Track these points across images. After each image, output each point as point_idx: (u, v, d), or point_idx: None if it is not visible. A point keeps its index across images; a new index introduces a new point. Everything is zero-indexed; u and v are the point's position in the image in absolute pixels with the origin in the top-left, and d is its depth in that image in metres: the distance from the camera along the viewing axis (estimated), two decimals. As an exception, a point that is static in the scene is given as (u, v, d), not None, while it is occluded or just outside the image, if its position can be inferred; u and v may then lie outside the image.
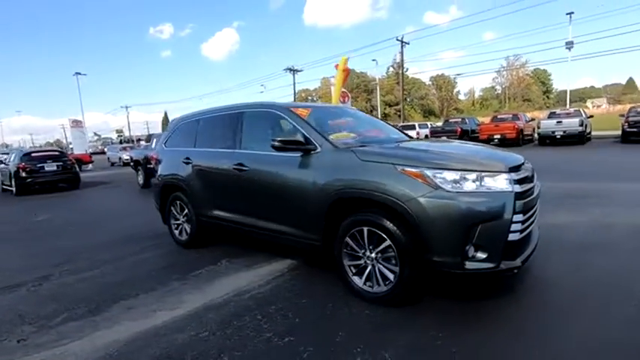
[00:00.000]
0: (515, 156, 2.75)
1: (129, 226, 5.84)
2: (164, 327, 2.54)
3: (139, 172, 11.19)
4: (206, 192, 3.87)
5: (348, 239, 2.70)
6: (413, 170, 2.37)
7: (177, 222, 4.39)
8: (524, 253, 2.43)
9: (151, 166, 9.01)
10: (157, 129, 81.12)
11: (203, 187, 3.89)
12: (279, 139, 2.93)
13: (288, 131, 3.17)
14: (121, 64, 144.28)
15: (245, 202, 3.47)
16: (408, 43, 28.42)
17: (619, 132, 15.67)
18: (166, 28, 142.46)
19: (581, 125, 15.07)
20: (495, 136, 16.76)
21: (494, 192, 2.29)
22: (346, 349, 2.13)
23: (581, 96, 76.98)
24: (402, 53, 27.90)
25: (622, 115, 15.48)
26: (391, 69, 74.14)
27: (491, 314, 2.43)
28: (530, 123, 19.22)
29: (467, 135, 18.77)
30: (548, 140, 15.78)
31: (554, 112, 17.07)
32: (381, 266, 2.57)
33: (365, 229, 2.58)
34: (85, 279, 3.59)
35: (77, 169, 12.56)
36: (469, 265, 2.26)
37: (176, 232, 4.45)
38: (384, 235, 2.49)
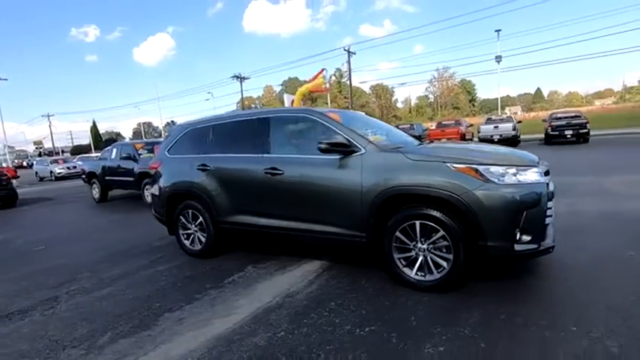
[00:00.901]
0: (532, 155, 3.19)
1: (114, 241, 5.43)
2: (233, 332, 2.51)
3: (94, 186, 10.29)
4: (228, 198, 3.82)
5: (398, 233, 2.91)
6: (465, 167, 2.67)
7: (188, 232, 4.24)
8: (552, 234, 2.84)
9: (127, 178, 8.40)
10: (85, 139, 74.22)
11: (224, 193, 3.83)
12: (326, 141, 3.06)
13: (328, 134, 3.30)
14: (37, 69, 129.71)
15: (278, 205, 3.51)
16: (355, 53, 29.72)
17: (541, 135, 18.00)
18: (91, 30, 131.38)
19: (514, 129, 17.03)
20: (442, 140, 18.20)
21: (532, 183, 2.66)
22: (426, 331, 2.33)
23: (501, 104, 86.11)
24: (349, 63, 29.08)
25: (544, 120, 17.77)
26: (333, 77, 76.48)
27: (529, 290, 2.80)
28: (469, 128, 21.27)
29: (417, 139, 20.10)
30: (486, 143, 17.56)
31: (490, 119, 19.02)
32: (433, 256, 2.82)
33: (417, 222, 2.82)
34: (103, 297, 3.34)
35: (13, 185, 11.17)
36: (517, 247, 2.60)
37: (186, 242, 4.29)
38: (437, 227, 2.74)
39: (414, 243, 2.87)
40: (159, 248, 4.82)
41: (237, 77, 35.49)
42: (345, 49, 28.50)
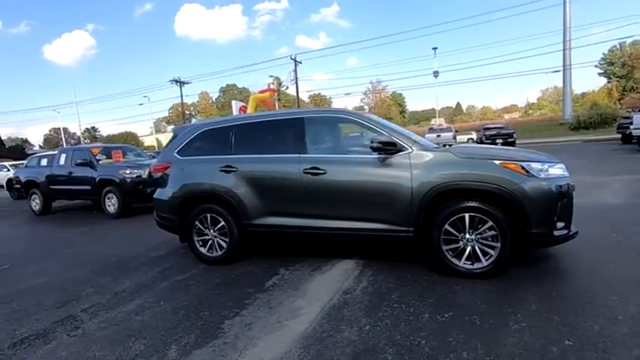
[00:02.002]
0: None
1: (97, 255, 4.88)
2: (316, 331, 2.48)
3: (34, 197, 9.00)
4: (258, 200, 3.71)
5: (447, 226, 3.12)
6: (511, 163, 2.99)
7: (205, 238, 4.00)
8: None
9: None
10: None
11: (253, 195, 3.71)
12: (378, 140, 3.18)
13: (369, 134, 3.42)
14: None
15: (318, 204, 3.51)
16: (301, 62, 30.22)
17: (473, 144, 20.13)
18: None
19: (454, 138, 18.78)
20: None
21: (561, 177, 3.07)
22: (500, 311, 2.55)
23: (426, 116, 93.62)
24: (295, 72, 29.43)
25: (478, 131, 19.90)
26: (272, 86, 76.36)
27: (554, 271, 3.20)
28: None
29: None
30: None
31: (432, 128, 20.71)
32: (480, 245, 3.08)
33: (467, 215, 3.06)
34: (135, 311, 3.02)
35: None
36: (555, 233, 2.98)
37: (202, 249, 4.04)
38: (485, 218, 3.01)
39: (462, 234, 3.11)
40: (160, 259, 4.46)
41: (177, 81, 33.67)
42: (291, 58, 28.89)
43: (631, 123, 13.53)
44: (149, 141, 62.93)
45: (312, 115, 3.75)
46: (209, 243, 4.00)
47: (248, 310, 2.88)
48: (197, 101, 78.57)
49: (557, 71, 34.82)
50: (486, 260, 3.06)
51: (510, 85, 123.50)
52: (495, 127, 18.62)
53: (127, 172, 7.56)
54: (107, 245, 5.45)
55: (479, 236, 3.07)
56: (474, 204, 3.04)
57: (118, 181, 7.50)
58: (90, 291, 3.56)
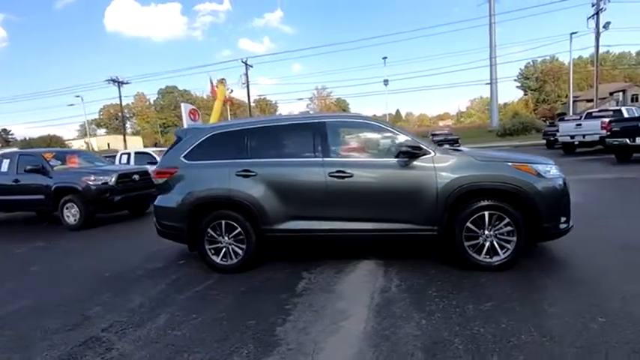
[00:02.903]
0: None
1: (79, 272, 4.42)
2: (375, 329, 2.55)
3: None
4: (279, 204, 3.66)
5: (469, 224, 3.39)
6: (522, 165, 3.35)
7: (219, 245, 3.85)
8: (567, 216, 3.74)
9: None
10: None
11: (274, 200, 3.66)
12: (408, 144, 3.37)
13: (392, 139, 3.59)
14: None
15: (344, 207, 3.57)
16: (252, 66, 29.76)
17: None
18: None
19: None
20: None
21: (560, 176, 3.50)
22: (531, 297, 2.85)
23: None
24: (246, 75, 28.89)
25: (425, 137, 21.25)
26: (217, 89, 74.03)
27: (556, 262, 3.62)
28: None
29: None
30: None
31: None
32: (498, 240, 3.38)
33: (486, 212, 3.35)
34: (168, 326, 2.82)
35: None
36: (561, 226, 3.38)
37: (215, 257, 3.87)
38: (503, 215, 3.33)
39: (482, 231, 3.39)
40: (161, 271, 4.17)
41: (114, 81, 31.06)
42: (242, 61, 28.32)
43: (557, 130, 15.51)
44: (77, 145, 57.07)
45: (334, 120, 3.82)
46: (223, 251, 3.85)
47: (294, 315, 2.85)
48: (132, 103, 73.21)
49: (488, 83, 38.51)
50: (503, 254, 3.37)
51: (444, 94, 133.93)
52: (442, 133, 20.14)
53: (92, 178, 6.88)
54: (86, 259, 4.92)
55: (496, 232, 3.38)
56: (492, 202, 3.34)
57: (80, 189, 6.79)
58: (97, 310, 3.23)
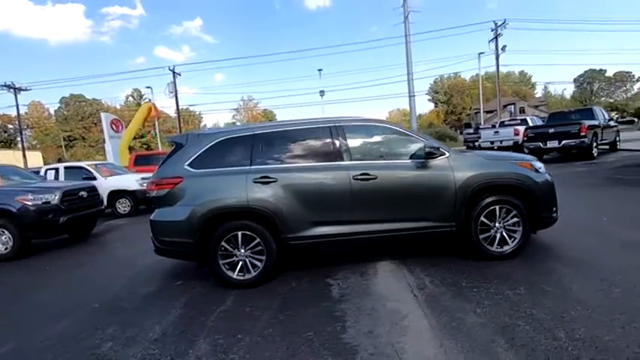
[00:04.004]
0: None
1: (56, 304, 3.70)
2: (440, 324, 2.61)
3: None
4: (303, 210, 3.53)
5: (483, 218, 3.67)
6: (524, 162, 3.76)
7: (234, 259, 3.57)
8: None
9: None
10: None
11: (298, 206, 3.52)
12: (430, 145, 3.54)
13: (407, 142, 3.75)
14: None
15: (371, 209, 3.59)
16: (180, 74, 28.07)
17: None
18: None
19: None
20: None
21: (547, 172, 4.00)
22: (551, 278, 3.19)
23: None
24: (174, 84, 27.10)
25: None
26: (131, 99, 68.08)
27: (555, 246, 4.10)
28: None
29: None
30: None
31: None
32: (506, 232, 3.72)
33: (497, 207, 3.67)
34: (220, 351, 2.52)
35: None
36: (553, 215, 3.85)
37: (229, 272, 3.58)
38: (511, 208, 3.68)
39: (493, 223, 3.70)
40: (161, 294, 3.72)
41: (9, 87, 26.42)
42: (170, 69, 26.54)
43: (479, 137, 17.57)
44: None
45: (351, 123, 3.83)
46: (239, 265, 3.57)
47: (350, 321, 2.77)
48: (26, 113, 63.37)
49: (413, 96, 41.86)
50: (512, 243, 3.72)
51: (367, 106, 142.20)
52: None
53: (29, 197, 5.80)
54: (52, 293, 4.11)
55: (505, 224, 3.72)
56: (502, 197, 3.67)
57: (15, 210, 5.67)
58: (111, 346, 2.74)
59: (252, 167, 3.59)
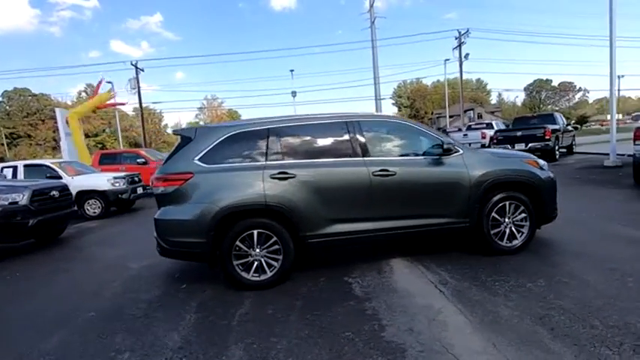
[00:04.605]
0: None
1: (44, 314, 3.31)
2: (476, 318, 2.62)
3: None
4: (323, 207, 3.42)
5: (494, 214, 3.76)
6: (531, 160, 3.90)
7: (249, 259, 3.39)
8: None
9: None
10: None
11: (318, 202, 3.41)
12: (448, 142, 3.57)
13: (424, 138, 3.76)
14: None
15: (389, 206, 3.55)
16: (143, 70, 26.60)
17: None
18: None
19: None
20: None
21: (550, 170, 4.18)
22: (564, 270, 3.32)
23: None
24: (137, 79, 25.61)
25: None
26: (84, 94, 63.73)
27: (550, 239, 4.30)
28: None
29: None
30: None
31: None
32: (515, 227, 3.83)
33: (507, 202, 3.78)
34: (255, 357, 2.36)
35: None
36: (555, 211, 4.03)
37: (244, 273, 3.39)
38: (519, 204, 3.80)
39: (504, 219, 3.80)
40: (168, 298, 3.45)
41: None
42: (132, 64, 25.06)
43: (448, 140, 18.28)
44: None
45: (368, 119, 3.78)
46: (254, 265, 3.40)
47: (386, 319, 2.71)
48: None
49: (380, 99, 42.75)
50: (520, 237, 3.84)
51: (337, 108, 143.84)
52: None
53: (-7, 198, 5.19)
54: (34, 302, 3.68)
55: (514, 219, 3.83)
56: (511, 194, 3.79)
57: (-24, 212, 5.05)
58: (128, 357, 2.48)
59: (269, 163, 3.43)
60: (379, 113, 4.75)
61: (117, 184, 8.76)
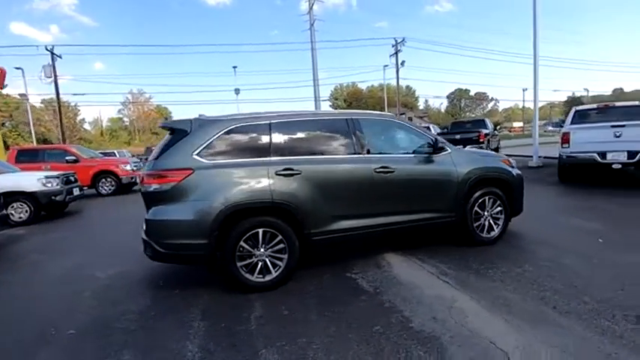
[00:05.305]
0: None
1: (28, 330, 2.79)
2: (495, 306, 2.82)
3: None
4: (328, 203, 3.39)
5: (476, 208, 4.08)
6: (506, 159, 4.32)
7: (253, 260, 3.23)
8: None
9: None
10: None
11: (323, 199, 3.37)
12: (441, 141, 3.78)
13: (416, 137, 3.94)
14: None
15: (389, 202, 3.64)
16: (61, 57, 23.38)
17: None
18: None
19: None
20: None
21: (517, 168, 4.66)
22: (543, 257, 3.72)
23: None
24: (53, 67, 22.45)
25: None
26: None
27: (531, 233, 4.77)
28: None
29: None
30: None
31: None
32: (492, 220, 4.20)
33: (487, 197, 4.13)
34: (299, 348, 2.26)
35: None
36: (522, 205, 4.50)
37: (247, 275, 3.22)
38: (496, 199, 4.18)
39: (485, 212, 4.15)
40: (162, 306, 3.14)
41: None
42: (48, 50, 21.93)
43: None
44: None
45: (364, 117, 3.82)
46: (259, 265, 3.24)
47: (407, 310, 2.79)
48: None
49: (319, 100, 43.34)
50: (497, 229, 4.22)
51: (278, 108, 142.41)
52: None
53: None
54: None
55: (492, 213, 4.20)
56: (491, 189, 4.14)
57: None
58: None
59: (273, 159, 3.31)
60: (376, 112, 4.85)
61: (49, 185, 7.66)
